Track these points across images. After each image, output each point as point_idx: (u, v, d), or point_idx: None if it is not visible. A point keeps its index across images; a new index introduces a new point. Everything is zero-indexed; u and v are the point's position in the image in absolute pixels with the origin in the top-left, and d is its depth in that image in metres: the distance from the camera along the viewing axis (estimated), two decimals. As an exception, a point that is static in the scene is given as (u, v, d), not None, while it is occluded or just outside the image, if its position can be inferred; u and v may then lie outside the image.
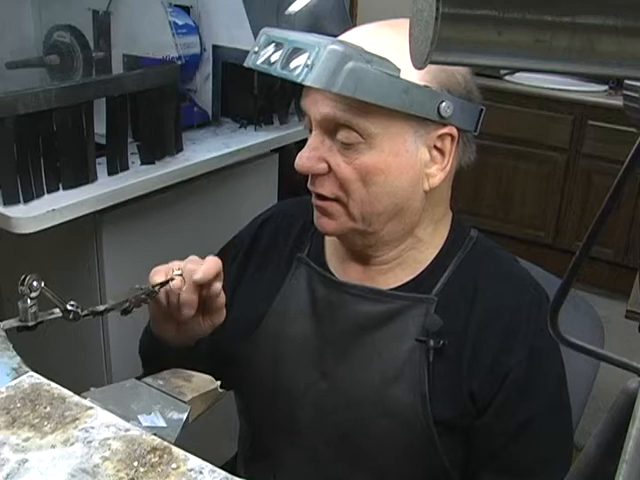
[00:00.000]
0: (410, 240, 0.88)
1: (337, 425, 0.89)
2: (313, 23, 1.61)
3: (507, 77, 3.07)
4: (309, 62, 0.74)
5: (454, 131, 0.82)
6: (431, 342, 0.84)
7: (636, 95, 0.59)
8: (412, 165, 0.82)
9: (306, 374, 0.91)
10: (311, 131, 0.84)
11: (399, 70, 0.76)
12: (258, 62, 0.81)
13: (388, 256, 0.89)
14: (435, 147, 0.82)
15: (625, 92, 0.61)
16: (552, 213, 3.07)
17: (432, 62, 0.33)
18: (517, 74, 3.09)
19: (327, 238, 0.96)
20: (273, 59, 0.79)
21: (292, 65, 0.76)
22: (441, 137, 0.82)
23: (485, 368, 0.84)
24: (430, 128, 0.81)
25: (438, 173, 0.83)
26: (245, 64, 0.85)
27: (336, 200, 0.83)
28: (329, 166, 0.82)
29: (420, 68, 0.34)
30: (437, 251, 0.90)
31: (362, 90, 0.74)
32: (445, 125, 0.81)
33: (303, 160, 0.82)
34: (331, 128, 0.81)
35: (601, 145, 2.86)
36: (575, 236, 3.00)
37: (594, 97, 2.88)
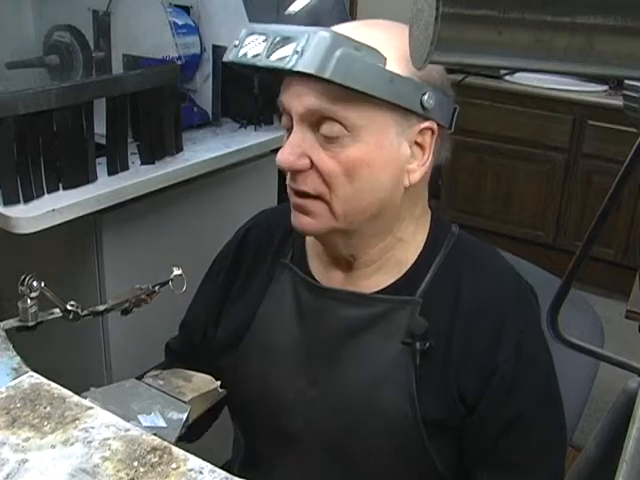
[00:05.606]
0: (390, 239, 0.87)
1: (328, 431, 0.89)
2: (313, 23, 1.61)
3: (507, 77, 3.07)
4: (299, 49, 0.73)
5: (434, 126, 0.82)
6: (417, 345, 0.84)
7: (636, 95, 0.59)
8: (395, 159, 0.81)
9: (295, 382, 0.90)
10: (289, 130, 0.83)
11: (385, 59, 0.76)
12: (239, 55, 0.80)
13: (369, 257, 0.88)
14: (416, 142, 0.83)
15: (625, 92, 0.61)
16: (552, 213, 3.06)
17: (432, 62, 0.33)
18: (517, 74, 3.08)
19: (308, 243, 0.95)
20: (256, 51, 0.78)
21: (279, 54, 0.75)
22: (422, 132, 0.82)
23: (473, 366, 0.84)
24: (412, 122, 0.81)
25: (418, 169, 0.84)
26: (225, 59, 0.82)
27: (318, 198, 0.81)
28: (311, 162, 0.80)
29: (420, 68, 0.33)
30: (419, 251, 0.89)
31: (351, 77, 0.73)
32: (426, 119, 0.82)
33: (285, 156, 0.80)
34: (314, 122, 0.79)
35: (601, 145, 2.86)
36: (575, 236, 2.99)
37: (594, 97, 2.88)
